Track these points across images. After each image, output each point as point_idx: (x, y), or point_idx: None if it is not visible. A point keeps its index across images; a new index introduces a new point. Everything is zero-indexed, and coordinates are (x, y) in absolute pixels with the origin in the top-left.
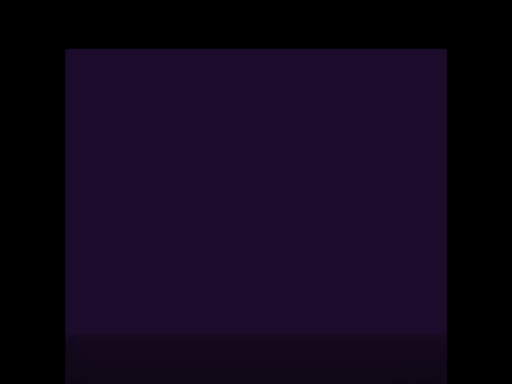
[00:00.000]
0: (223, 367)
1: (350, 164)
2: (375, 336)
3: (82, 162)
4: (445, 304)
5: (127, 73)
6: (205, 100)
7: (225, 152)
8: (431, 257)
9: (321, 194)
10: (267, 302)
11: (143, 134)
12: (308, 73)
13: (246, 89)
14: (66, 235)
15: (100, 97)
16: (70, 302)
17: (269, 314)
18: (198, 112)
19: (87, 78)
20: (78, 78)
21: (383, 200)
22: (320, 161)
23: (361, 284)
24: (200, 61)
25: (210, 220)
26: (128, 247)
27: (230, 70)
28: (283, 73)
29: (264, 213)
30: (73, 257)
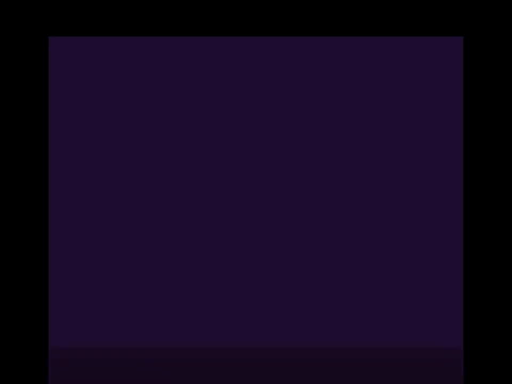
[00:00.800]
0: (212, 381)
1: (362, 158)
2: (390, 349)
3: (66, 156)
4: (461, 317)
5: (112, 62)
6: (194, 90)
7: (219, 147)
8: (448, 268)
9: (328, 197)
10: (276, 314)
11: (129, 125)
12: (321, 62)
13: (248, 79)
14: (49, 246)
15: (83, 86)
16: (53, 314)
17: (277, 326)
18: (186, 102)
19: (71, 66)
20: (62, 66)
21: (398, 205)
22: (330, 156)
23: (377, 295)
24: (188, 49)
25: (201, 225)
26: (113, 258)
27: (221, 59)
28: (297, 62)
29: (266, 215)
30: (57, 268)
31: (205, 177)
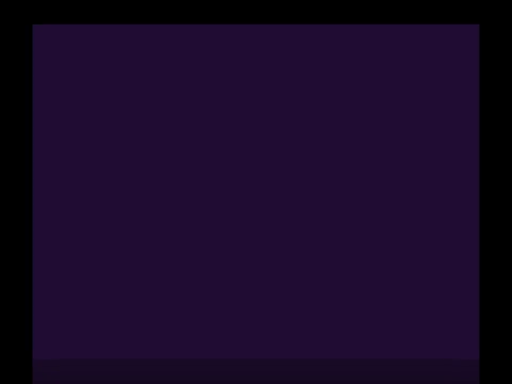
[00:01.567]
0: None
1: (374, 149)
2: (405, 360)
3: (49, 146)
4: (477, 328)
5: (96, 50)
6: (182, 78)
7: (214, 138)
8: (463, 280)
9: (330, 198)
10: (277, 326)
11: (115, 115)
12: (336, 49)
13: (251, 70)
14: (34, 257)
15: (66, 74)
16: (36, 326)
17: (289, 338)
18: (174, 90)
19: (54, 53)
20: (44, 54)
21: (414, 211)
22: (339, 149)
23: (392, 306)
24: (174, 37)
25: (195, 227)
26: (97, 269)
27: (213, 47)
28: (306, 48)
29: (268, 218)
30: (41, 279)
31: (199, 173)
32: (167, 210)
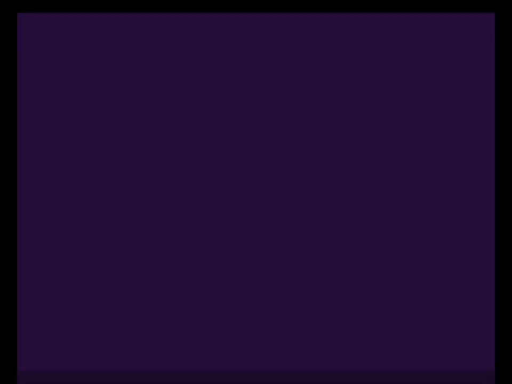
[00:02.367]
0: None
1: (387, 142)
2: (420, 372)
3: (35, 139)
4: (493, 339)
5: (82, 39)
6: (168, 68)
7: (209, 133)
8: (480, 290)
9: (336, 198)
10: (281, 337)
11: (102, 105)
12: (350, 39)
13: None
14: (18, 266)
15: (53, 64)
16: (21, 337)
17: (301, 349)
18: (161, 79)
19: (40, 43)
20: (30, 43)
21: (429, 216)
22: (347, 142)
23: (406, 317)
24: (161, 26)
25: (188, 229)
26: (84, 279)
27: (205, 36)
28: (315, 38)
29: (269, 219)
30: (26, 290)
31: (199, 173)
32: (167, 212)
